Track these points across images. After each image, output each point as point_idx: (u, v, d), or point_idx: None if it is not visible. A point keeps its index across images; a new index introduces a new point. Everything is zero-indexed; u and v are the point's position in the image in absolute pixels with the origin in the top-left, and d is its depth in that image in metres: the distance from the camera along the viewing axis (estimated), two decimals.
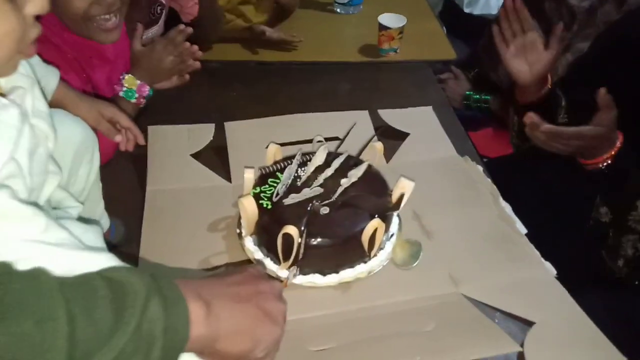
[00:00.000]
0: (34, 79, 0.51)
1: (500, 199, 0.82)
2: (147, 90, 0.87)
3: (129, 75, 0.86)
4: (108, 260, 0.43)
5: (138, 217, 0.78)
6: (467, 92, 1.27)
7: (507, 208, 0.80)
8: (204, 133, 0.94)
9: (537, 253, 0.74)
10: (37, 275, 0.36)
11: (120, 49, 0.90)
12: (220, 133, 0.94)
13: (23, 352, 0.33)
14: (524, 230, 0.78)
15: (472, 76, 1.32)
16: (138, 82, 0.86)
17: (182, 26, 0.90)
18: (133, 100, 0.86)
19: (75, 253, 0.42)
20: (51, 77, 0.66)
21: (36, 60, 0.65)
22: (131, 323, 0.36)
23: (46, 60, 0.68)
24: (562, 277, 0.71)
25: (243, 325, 0.43)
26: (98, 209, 0.73)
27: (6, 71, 0.44)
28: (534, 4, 0.93)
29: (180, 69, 0.93)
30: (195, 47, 0.91)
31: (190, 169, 0.87)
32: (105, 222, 0.75)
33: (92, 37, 0.80)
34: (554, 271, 0.72)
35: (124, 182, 0.85)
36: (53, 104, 0.64)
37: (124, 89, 0.86)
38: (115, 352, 0.35)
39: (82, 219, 0.58)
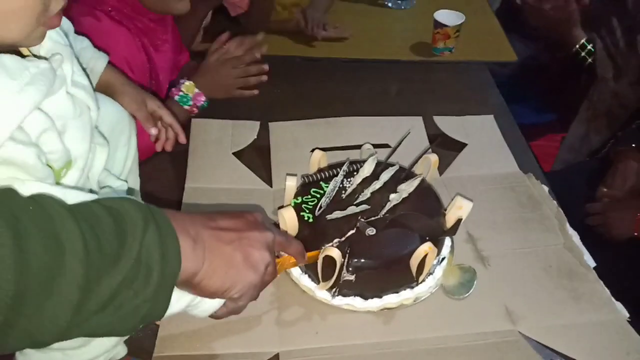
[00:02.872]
0: (72, 52, 0.51)
1: (567, 225, 0.73)
2: (202, 100, 0.86)
3: (190, 82, 0.84)
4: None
5: None
6: (585, 42, 1.12)
7: (575, 236, 0.72)
8: (248, 131, 0.89)
9: (607, 292, 0.66)
10: (47, 199, 0.37)
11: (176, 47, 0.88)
12: (264, 132, 0.90)
13: (41, 272, 0.33)
14: (592, 264, 0.69)
15: None
16: (196, 90, 0.84)
17: (257, 54, 0.88)
18: (186, 107, 0.84)
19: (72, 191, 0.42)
20: (99, 60, 0.65)
21: (86, 43, 0.64)
22: (133, 248, 0.37)
23: (97, 47, 0.66)
24: (636, 321, 0.63)
25: (220, 264, 0.45)
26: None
27: (31, 42, 0.44)
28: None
29: (242, 85, 0.90)
30: (265, 67, 0.87)
31: (231, 168, 0.83)
32: None
33: (167, 6, 0.78)
34: (626, 314, 0.63)
35: (162, 178, 0.82)
36: (100, 88, 0.65)
37: (181, 93, 0.83)
38: (121, 276, 0.36)
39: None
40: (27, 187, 0.39)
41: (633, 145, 0.95)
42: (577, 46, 1.12)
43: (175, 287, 0.42)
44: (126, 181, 0.61)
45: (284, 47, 1.16)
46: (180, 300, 0.47)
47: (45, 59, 0.46)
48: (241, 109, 0.95)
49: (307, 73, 1.10)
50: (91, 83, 0.53)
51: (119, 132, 0.61)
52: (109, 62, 0.66)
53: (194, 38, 1.03)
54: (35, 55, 0.46)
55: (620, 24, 1.10)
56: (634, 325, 0.62)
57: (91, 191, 0.52)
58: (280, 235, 0.54)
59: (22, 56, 0.44)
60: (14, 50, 0.43)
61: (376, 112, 0.95)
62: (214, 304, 0.50)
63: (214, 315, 0.51)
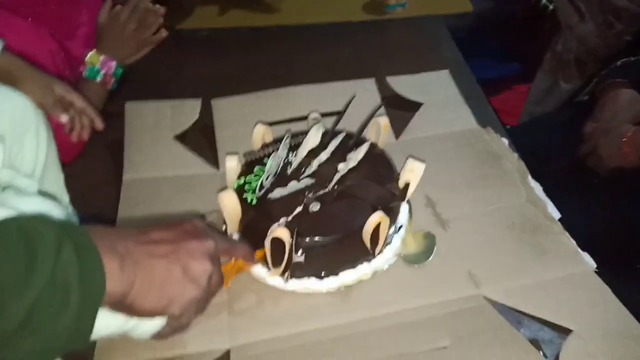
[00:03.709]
0: None
1: (529, 177, 0.70)
2: (112, 65, 0.78)
3: (92, 51, 0.76)
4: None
5: (114, 210, 0.69)
6: None
7: (537, 188, 0.68)
8: (188, 111, 0.83)
9: (573, 243, 0.63)
10: None
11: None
12: (207, 110, 0.84)
13: None
14: (557, 215, 0.66)
15: None
16: (101, 57, 0.76)
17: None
18: (98, 80, 0.76)
19: None
20: None
21: None
22: (45, 268, 0.34)
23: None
24: (603, 271, 0.60)
25: (156, 281, 0.42)
26: (62, 202, 0.65)
27: None
28: None
29: (147, 39, 0.82)
30: (160, 8, 0.79)
31: (173, 153, 0.77)
32: (72, 216, 0.67)
33: None
34: (593, 264, 0.61)
35: (100, 170, 0.77)
36: None
37: (87, 67, 0.76)
38: (34, 296, 0.34)
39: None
40: None
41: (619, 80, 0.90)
42: None
43: (106, 310, 0.40)
44: (37, 182, 0.54)
45: (229, 19, 1.09)
46: (111, 323, 0.43)
47: None
48: (183, 88, 0.89)
49: (254, 45, 1.03)
50: None
51: (25, 125, 0.55)
52: (5, 49, 0.59)
53: None
54: None
55: None
56: (602, 275, 0.60)
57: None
58: (223, 241, 0.50)
59: None
60: None
61: (329, 79, 0.89)
62: (155, 324, 0.46)
63: (159, 336, 0.47)
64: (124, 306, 0.41)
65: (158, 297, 0.42)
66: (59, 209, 0.50)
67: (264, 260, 0.58)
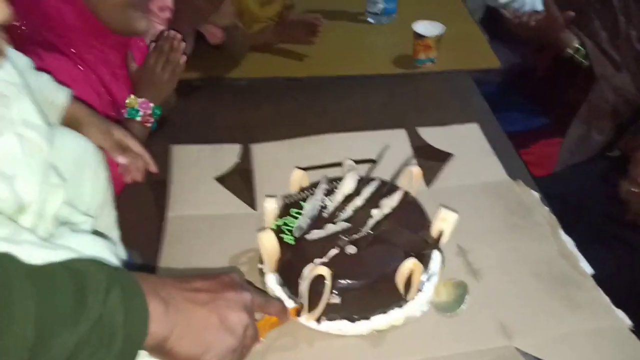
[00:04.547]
0: (20, 89, 0.49)
1: (561, 231, 0.71)
2: (150, 106, 0.83)
3: (131, 95, 0.82)
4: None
5: (156, 246, 0.72)
6: (579, 46, 1.10)
7: (569, 243, 0.69)
8: (229, 154, 0.88)
9: (606, 298, 0.63)
10: (6, 259, 0.37)
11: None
12: (246, 155, 0.88)
13: None
14: (589, 270, 0.66)
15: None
16: (139, 100, 0.82)
17: (171, 32, 0.85)
18: (138, 119, 0.82)
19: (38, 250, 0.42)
20: (60, 94, 0.64)
21: (46, 78, 0.63)
22: (94, 310, 0.37)
23: (60, 81, 0.65)
24: (639, 328, 0.60)
25: (194, 328, 0.44)
26: (112, 238, 0.69)
27: None
28: None
29: (174, 74, 0.88)
30: (181, 43, 0.85)
31: (214, 193, 0.81)
32: (121, 252, 0.70)
33: (129, 25, 0.76)
34: (628, 321, 0.60)
35: (142, 208, 0.80)
36: (65, 122, 0.63)
37: (127, 109, 0.82)
38: (78, 337, 0.36)
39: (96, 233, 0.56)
40: None
41: None
42: (571, 51, 1.10)
43: (145, 353, 0.41)
44: (92, 217, 0.58)
45: (266, 69, 1.16)
46: None
47: None
48: (222, 132, 0.94)
49: (289, 93, 1.09)
50: (47, 122, 0.51)
51: (84, 165, 0.59)
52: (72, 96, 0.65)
53: None
54: None
55: (607, 18, 1.09)
56: (637, 333, 0.59)
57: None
58: (258, 296, 0.52)
59: None
60: None
61: (360, 127, 0.93)
62: None
63: None
64: (162, 351, 0.42)
65: (196, 343, 0.43)
66: (110, 247, 0.54)
67: (297, 316, 0.59)
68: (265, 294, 0.60)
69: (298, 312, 0.60)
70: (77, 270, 0.38)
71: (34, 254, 0.41)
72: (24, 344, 0.33)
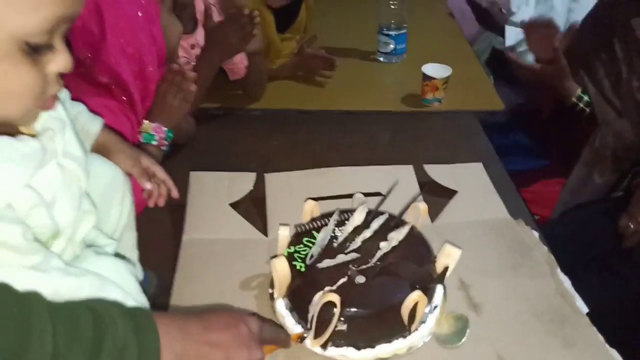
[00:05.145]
0: (65, 122, 0.53)
1: (558, 270, 0.74)
2: (163, 130, 0.88)
3: (145, 121, 0.87)
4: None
5: (171, 268, 0.76)
6: (582, 94, 1.15)
7: (566, 282, 0.72)
8: (244, 182, 0.92)
9: (601, 338, 0.65)
10: (34, 300, 0.41)
11: None
12: (260, 183, 0.93)
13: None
14: (585, 310, 0.69)
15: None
16: (152, 125, 0.87)
17: (176, 67, 0.90)
18: (155, 143, 0.86)
19: (63, 282, 0.46)
20: (94, 123, 0.68)
21: (81, 108, 0.67)
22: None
23: (93, 111, 0.70)
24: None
25: None
26: (132, 259, 0.72)
27: (26, 121, 0.47)
28: (604, 43, 1.00)
29: (184, 101, 0.92)
30: (191, 74, 0.90)
31: (228, 219, 0.85)
32: (139, 272, 0.73)
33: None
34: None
35: (159, 230, 0.84)
36: (95, 149, 0.67)
37: (142, 135, 0.86)
38: None
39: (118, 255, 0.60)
40: (19, 277, 0.42)
41: None
42: (574, 98, 1.15)
43: None
44: (115, 240, 0.62)
45: (280, 101, 1.22)
46: None
47: (34, 135, 0.48)
48: (238, 160, 0.99)
49: (302, 125, 1.14)
50: (84, 151, 0.55)
51: (113, 191, 0.63)
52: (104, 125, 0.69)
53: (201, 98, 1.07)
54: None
55: (611, 68, 1.14)
56: None
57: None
58: (269, 331, 0.57)
59: (18, 132, 0.46)
60: (8, 129, 0.45)
61: (368, 161, 0.98)
62: None
63: None
64: None
65: None
66: (131, 270, 0.57)
67: (299, 341, 0.63)
68: (274, 324, 0.62)
69: (301, 339, 0.63)
70: (100, 318, 0.42)
71: (61, 282, 0.45)
72: None
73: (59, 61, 0.42)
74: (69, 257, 0.53)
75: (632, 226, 0.89)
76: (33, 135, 0.48)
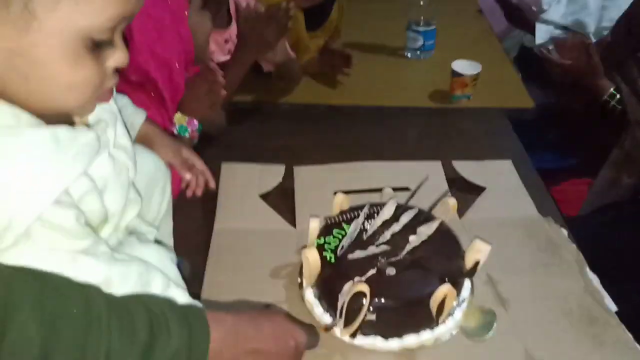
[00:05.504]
0: (116, 115, 0.56)
1: (587, 268, 0.74)
2: (195, 124, 0.90)
3: (177, 113, 0.90)
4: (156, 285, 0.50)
5: (203, 256, 0.78)
6: (614, 91, 1.14)
7: (595, 280, 0.72)
8: (274, 174, 0.94)
9: (630, 336, 0.65)
10: (93, 297, 0.42)
11: None
12: (289, 175, 0.94)
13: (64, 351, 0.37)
14: (614, 308, 0.69)
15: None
16: (187, 117, 0.89)
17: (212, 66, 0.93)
18: (187, 135, 0.89)
19: (112, 268, 0.47)
20: (138, 115, 0.70)
21: (126, 100, 0.70)
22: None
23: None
24: None
25: None
26: (169, 246, 0.75)
27: (83, 112, 0.49)
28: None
29: (215, 101, 0.95)
30: (222, 80, 0.93)
31: (258, 209, 0.87)
32: (174, 260, 0.76)
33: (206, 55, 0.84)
34: None
35: (191, 219, 0.86)
36: (138, 140, 0.69)
37: (177, 126, 0.89)
38: None
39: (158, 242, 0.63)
40: (72, 264, 0.44)
41: None
42: (606, 96, 1.14)
43: None
44: (156, 228, 0.64)
45: (309, 95, 1.23)
46: None
47: (89, 125, 0.50)
48: (268, 153, 1.01)
49: (330, 120, 1.15)
50: (132, 143, 0.57)
51: (156, 181, 0.65)
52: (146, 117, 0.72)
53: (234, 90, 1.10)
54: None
55: None
56: None
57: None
58: (306, 339, 0.57)
59: (72, 123, 0.49)
60: (66, 119, 0.47)
61: (396, 157, 0.98)
62: None
63: None
64: None
65: None
66: (171, 257, 0.60)
67: (325, 331, 0.64)
68: (309, 329, 0.61)
69: (327, 329, 0.64)
70: (155, 320, 0.43)
71: (110, 269, 0.47)
72: None
73: (118, 57, 0.45)
74: (114, 244, 0.55)
75: None
76: (87, 126, 0.51)
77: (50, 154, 0.42)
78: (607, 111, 1.16)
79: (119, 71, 0.47)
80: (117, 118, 0.55)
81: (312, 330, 0.60)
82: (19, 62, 0.40)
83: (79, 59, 0.42)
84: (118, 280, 0.47)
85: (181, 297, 0.53)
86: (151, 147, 0.69)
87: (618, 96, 1.13)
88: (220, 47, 1.04)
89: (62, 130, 0.44)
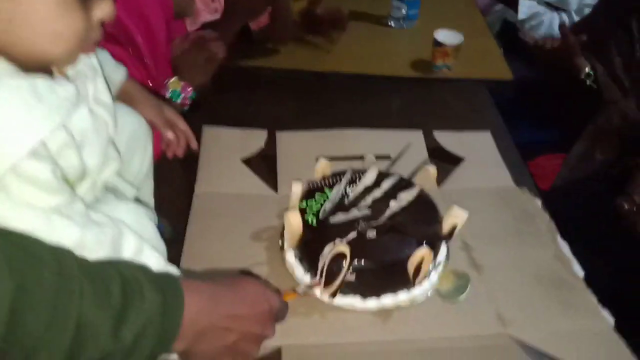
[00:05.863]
0: (97, 69, 0.54)
1: (559, 236, 0.77)
2: (190, 90, 0.89)
3: (174, 78, 0.88)
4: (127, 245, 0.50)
5: (184, 218, 0.78)
6: (590, 71, 1.17)
7: (565, 248, 0.76)
8: (256, 139, 0.94)
9: (594, 300, 0.69)
10: (67, 265, 0.41)
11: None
12: (271, 141, 0.94)
13: (39, 315, 0.37)
14: (581, 274, 0.73)
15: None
16: (182, 83, 0.88)
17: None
18: (178, 101, 0.88)
19: (86, 231, 0.46)
20: (118, 71, 0.69)
21: (105, 56, 0.68)
22: (126, 340, 0.41)
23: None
24: (621, 328, 0.66)
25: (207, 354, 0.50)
26: (150, 206, 0.74)
27: (66, 64, 0.48)
28: (620, 21, 1.01)
29: (212, 64, 0.95)
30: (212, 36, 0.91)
31: (240, 174, 0.86)
32: (155, 221, 0.76)
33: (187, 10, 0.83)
34: (611, 321, 0.67)
35: (173, 181, 0.86)
36: (119, 97, 0.68)
37: (170, 90, 0.87)
38: (101, 353, 0.40)
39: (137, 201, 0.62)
40: (51, 226, 0.43)
41: None
42: (583, 75, 1.16)
43: None
44: (137, 188, 0.64)
45: (292, 61, 1.21)
46: None
47: (68, 77, 0.49)
48: (250, 118, 1.00)
49: (313, 87, 1.14)
50: (113, 99, 0.56)
51: (137, 140, 0.64)
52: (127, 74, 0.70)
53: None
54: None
55: (625, 46, 1.15)
56: (620, 330, 0.65)
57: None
58: (279, 305, 0.57)
59: (51, 73, 0.47)
60: (45, 70, 0.46)
61: (378, 125, 0.99)
62: None
63: None
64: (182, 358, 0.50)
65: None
66: (149, 215, 0.59)
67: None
68: (284, 307, 0.60)
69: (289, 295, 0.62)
70: (129, 287, 0.42)
71: (84, 231, 0.46)
72: (64, 343, 0.38)
73: (105, 8, 0.44)
74: (90, 200, 0.55)
75: (626, 206, 0.91)
76: (67, 79, 0.49)
77: (26, 104, 0.41)
78: (584, 90, 1.19)
79: (103, 24, 0.46)
80: (97, 72, 0.54)
81: (282, 299, 0.59)
82: (3, 4, 0.39)
83: (67, 9, 0.41)
84: (91, 243, 0.47)
85: (155, 260, 0.52)
86: (132, 104, 0.67)
87: (593, 76, 1.15)
88: (207, 5, 1.01)
89: (40, 81, 0.43)
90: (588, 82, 1.16)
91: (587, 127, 1.20)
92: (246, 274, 0.69)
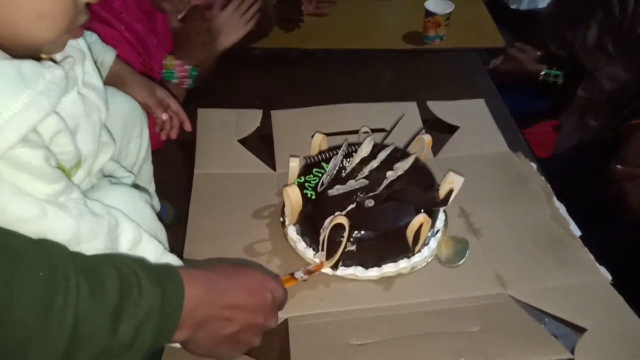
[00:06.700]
0: (85, 53, 0.54)
1: (554, 198, 0.78)
2: (186, 69, 0.86)
3: (169, 56, 0.86)
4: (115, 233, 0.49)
5: (186, 200, 0.79)
6: (547, 71, 1.25)
7: (561, 208, 0.77)
8: (251, 119, 0.94)
9: (591, 257, 0.70)
10: (59, 258, 0.40)
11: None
12: (266, 120, 0.94)
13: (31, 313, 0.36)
14: (578, 233, 0.74)
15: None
16: (176, 61, 0.86)
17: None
18: (175, 81, 0.86)
19: (81, 222, 0.45)
20: (108, 54, 0.68)
21: (95, 38, 0.67)
22: (125, 337, 0.40)
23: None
24: (618, 283, 0.68)
25: (208, 345, 0.49)
26: (149, 190, 0.75)
27: (55, 48, 0.47)
28: None
29: (212, 42, 0.92)
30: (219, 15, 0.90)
31: (237, 154, 0.87)
32: (156, 203, 0.76)
33: None
34: (609, 277, 0.68)
35: (172, 165, 0.87)
36: (109, 80, 0.67)
37: (164, 71, 0.86)
38: (100, 349, 0.40)
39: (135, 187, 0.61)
40: (46, 218, 0.42)
41: None
42: (542, 76, 1.25)
43: None
44: (133, 174, 0.63)
45: (280, 40, 1.21)
46: None
47: (56, 62, 0.48)
48: (243, 99, 1.00)
49: (303, 64, 1.14)
50: (102, 83, 0.55)
51: (132, 124, 0.64)
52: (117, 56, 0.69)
53: None
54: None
55: (604, 12, 1.15)
56: (618, 288, 0.67)
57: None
58: (283, 295, 0.56)
59: (39, 59, 0.46)
60: (33, 56, 0.45)
61: (371, 99, 0.99)
62: None
63: None
64: (183, 347, 0.50)
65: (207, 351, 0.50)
66: (146, 199, 0.58)
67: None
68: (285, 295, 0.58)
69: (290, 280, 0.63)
70: (126, 282, 0.41)
71: (80, 221, 0.45)
72: (61, 341, 0.37)
73: None
74: (86, 187, 0.54)
75: (619, 170, 0.92)
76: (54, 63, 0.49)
77: (12, 90, 0.40)
78: (549, 86, 1.25)
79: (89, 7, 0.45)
80: (85, 56, 0.53)
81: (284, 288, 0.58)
82: None
83: None
84: (87, 234, 0.46)
85: (154, 249, 0.52)
86: (123, 87, 0.67)
87: (553, 72, 1.23)
88: None
89: (26, 65, 0.42)
90: (550, 79, 1.23)
91: (575, 96, 1.21)
92: (252, 265, 0.67)
